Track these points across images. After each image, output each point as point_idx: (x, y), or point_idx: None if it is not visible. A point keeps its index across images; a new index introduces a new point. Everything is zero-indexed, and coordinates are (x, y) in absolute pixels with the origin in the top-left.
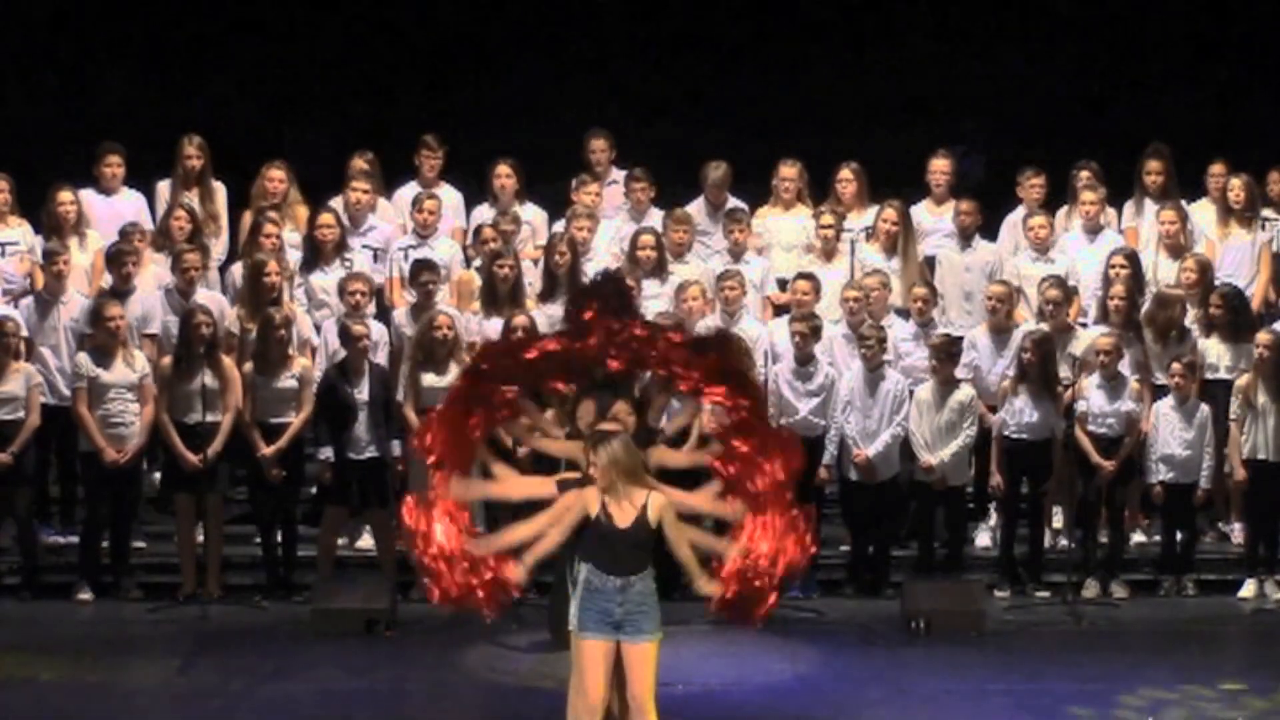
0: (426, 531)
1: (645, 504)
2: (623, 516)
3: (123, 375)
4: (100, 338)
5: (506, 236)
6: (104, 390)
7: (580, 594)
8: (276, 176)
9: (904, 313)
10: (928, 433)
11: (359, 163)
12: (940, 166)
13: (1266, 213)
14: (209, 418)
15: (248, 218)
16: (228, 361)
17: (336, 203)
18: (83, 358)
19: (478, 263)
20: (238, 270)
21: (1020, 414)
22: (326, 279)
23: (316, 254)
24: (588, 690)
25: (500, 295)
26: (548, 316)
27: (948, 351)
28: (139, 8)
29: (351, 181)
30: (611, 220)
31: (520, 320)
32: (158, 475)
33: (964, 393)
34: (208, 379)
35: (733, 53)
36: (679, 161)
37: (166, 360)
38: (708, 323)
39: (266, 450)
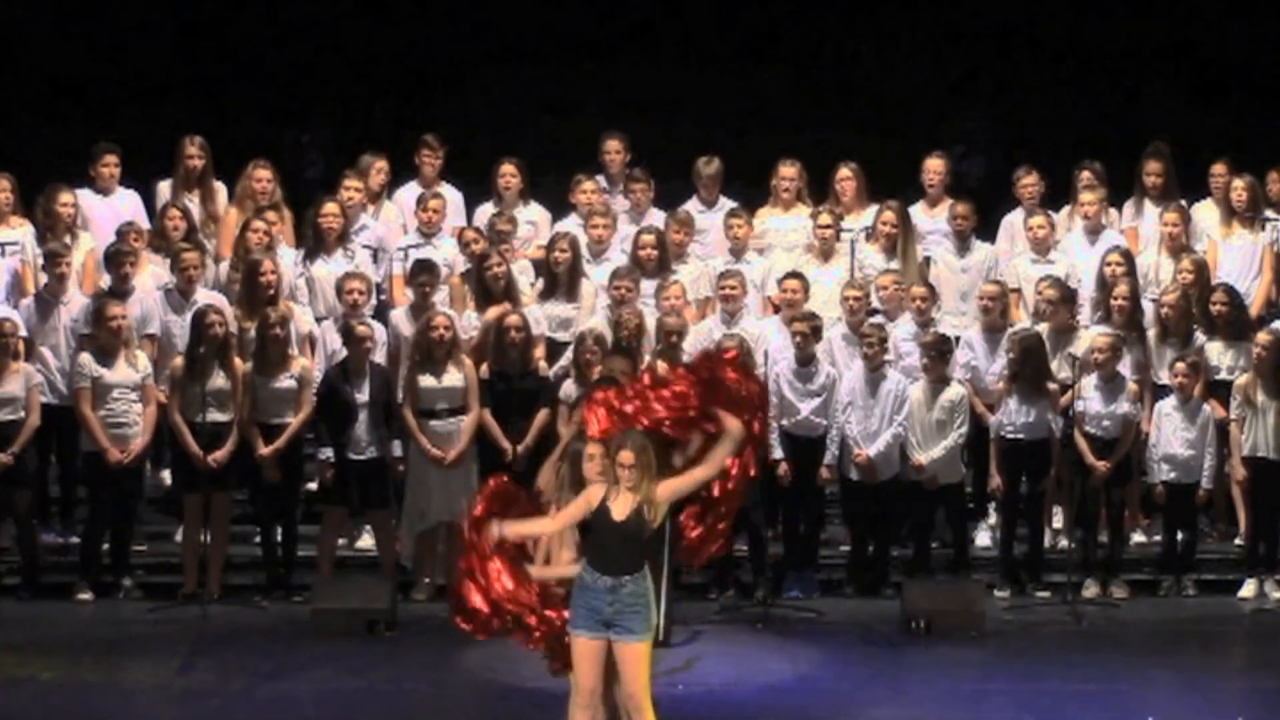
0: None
1: (644, 500)
2: (620, 509)
3: (125, 375)
4: (103, 338)
5: (501, 236)
6: (107, 390)
7: (574, 590)
8: (264, 176)
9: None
10: (919, 432)
11: (379, 165)
12: (934, 167)
13: (1269, 213)
14: (220, 417)
15: (233, 217)
16: (239, 362)
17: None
18: (86, 358)
19: (466, 266)
20: (224, 269)
21: (1014, 414)
22: (328, 269)
23: (319, 244)
24: (580, 685)
25: (494, 294)
26: (547, 315)
27: (939, 350)
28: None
29: (344, 180)
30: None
31: (513, 320)
32: (165, 475)
33: (954, 391)
34: (220, 379)
35: (733, 53)
36: (678, 162)
37: (179, 361)
38: (708, 324)
39: (265, 450)
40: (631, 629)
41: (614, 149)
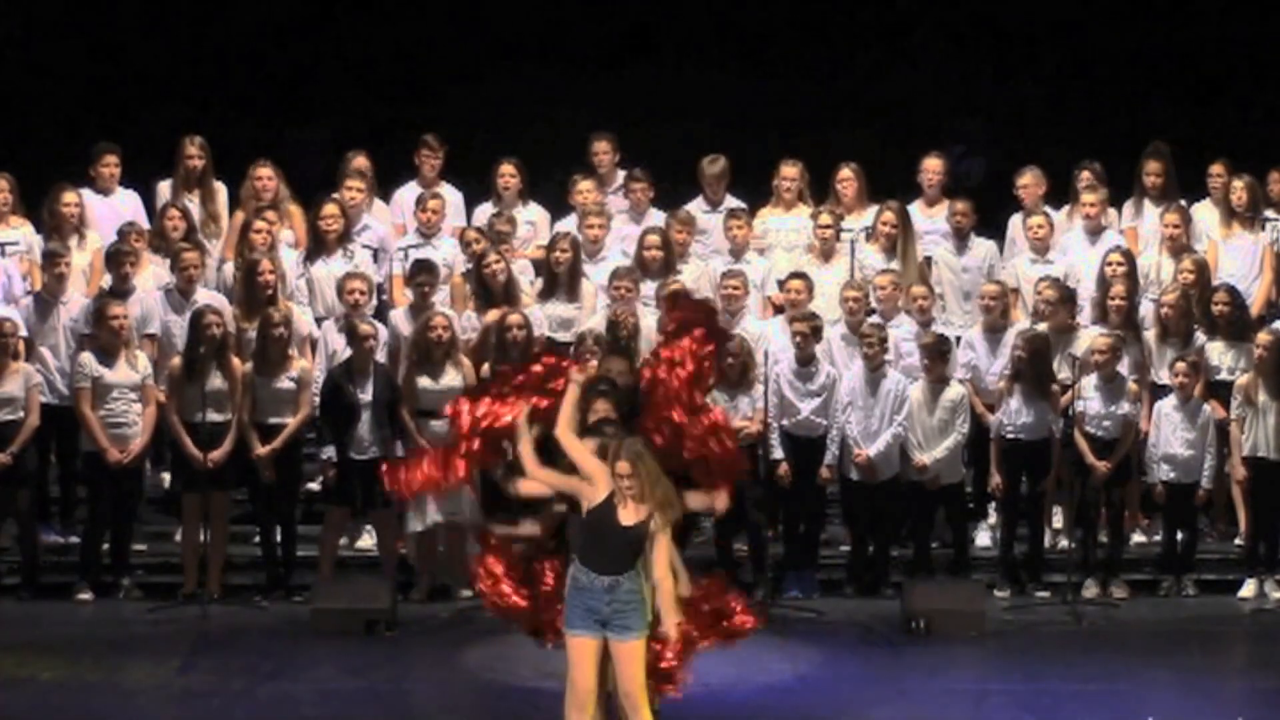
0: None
1: (652, 516)
2: (628, 516)
3: (125, 375)
4: (103, 338)
5: (501, 236)
6: (107, 390)
7: (568, 590)
8: (265, 175)
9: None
10: (920, 432)
11: (360, 161)
12: (933, 167)
13: (1269, 214)
14: (217, 417)
15: (238, 218)
16: (236, 362)
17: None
18: (86, 358)
19: (466, 266)
20: (228, 270)
21: (1016, 414)
22: (328, 270)
23: (320, 245)
24: (576, 685)
25: (495, 293)
26: (547, 315)
27: (939, 350)
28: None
29: (346, 180)
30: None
31: (514, 319)
32: (165, 475)
33: (955, 391)
34: (217, 380)
35: (733, 53)
36: (679, 162)
37: (176, 361)
38: None
39: (261, 450)
40: (629, 626)
41: (602, 149)
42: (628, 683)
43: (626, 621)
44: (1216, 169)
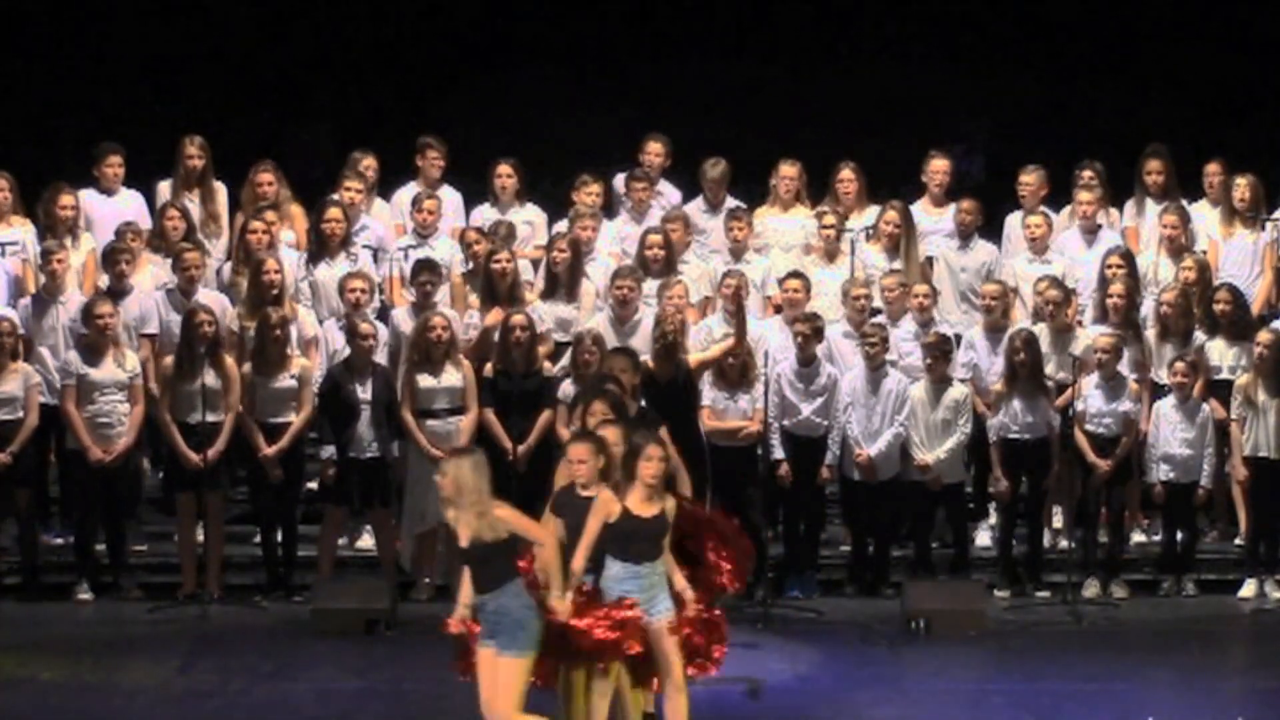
0: None
1: (483, 523)
2: (463, 535)
3: (111, 374)
4: (90, 336)
5: (500, 240)
6: (92, 388)
7: None
8: (265, 180)
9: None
10: (923, 431)
11: (369, 161)
12: (938, 167)
13: (1277, 215)
14: (210, 417)
15: (239, 220)
16: (229, 361)
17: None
18: (71, 356)
19: (467, 266)
20: (227, 270)
21: (1018, 414)
22: (331, 272)
23: (323, 248)
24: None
25: (499, 292)
26: (554, 316)
27: (941, 350)
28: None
29: (344, 181)
30: (611, 221)
31: (518, 319)
32: (162, 475)
33: (958, 390)
34: (209, 379)
35: (734, 52)
36: (681, 161)
37: (169, 360)
38: (708, 323)
39: (269, 450)
40: (504, 646)
41: (655, 151)
42: (492, 695)
43: (500, 641)
44: (1212, 168)
